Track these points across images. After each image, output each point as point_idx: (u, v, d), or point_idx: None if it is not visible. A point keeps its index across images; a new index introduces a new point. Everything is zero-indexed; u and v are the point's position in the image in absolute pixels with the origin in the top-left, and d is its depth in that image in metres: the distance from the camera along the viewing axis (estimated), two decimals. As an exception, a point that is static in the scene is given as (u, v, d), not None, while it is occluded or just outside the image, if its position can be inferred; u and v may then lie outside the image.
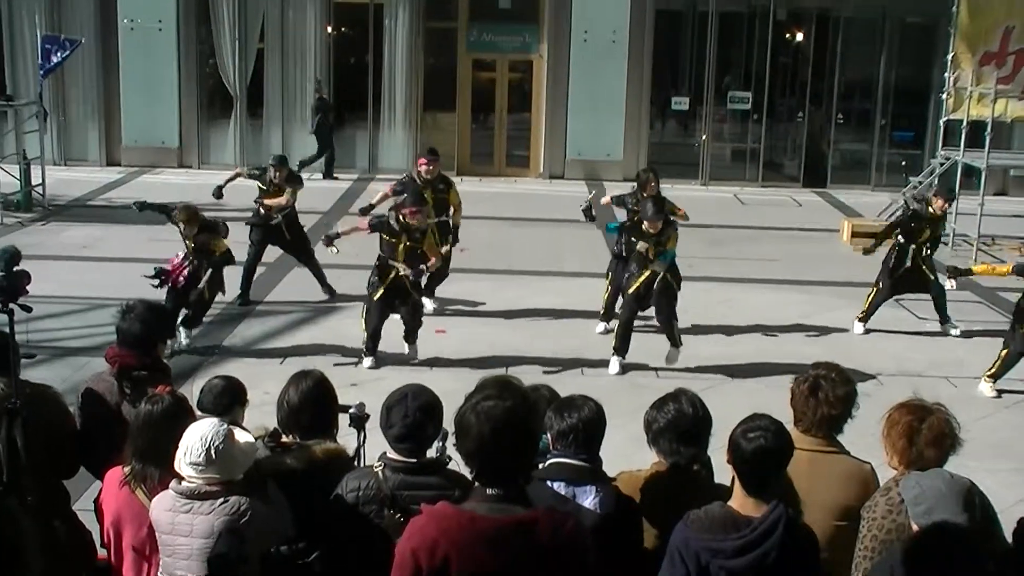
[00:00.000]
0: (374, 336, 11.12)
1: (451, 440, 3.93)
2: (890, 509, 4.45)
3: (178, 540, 4.36)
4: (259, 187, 13.46)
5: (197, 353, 11.26)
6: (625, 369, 11.14)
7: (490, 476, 3.69)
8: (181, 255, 11.63)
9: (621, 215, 12.62)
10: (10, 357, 4.86)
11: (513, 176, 23.68)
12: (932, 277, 12.72)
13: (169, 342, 10.62)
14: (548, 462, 4.46)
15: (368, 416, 5.35)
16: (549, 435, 4.52)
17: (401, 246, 10.93)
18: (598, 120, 23.08)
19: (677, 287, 11.29)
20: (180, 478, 4.36)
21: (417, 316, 11.27)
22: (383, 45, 23.58)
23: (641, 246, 11.15)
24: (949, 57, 18.84)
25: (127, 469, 4.68)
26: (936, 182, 17.64)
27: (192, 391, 8.52)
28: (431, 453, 4.54)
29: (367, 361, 11.06)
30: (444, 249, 11.91)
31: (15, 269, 4.88)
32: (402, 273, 10.93)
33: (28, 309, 4.93)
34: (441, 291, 13.16)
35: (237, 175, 13.96)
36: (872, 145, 24.19)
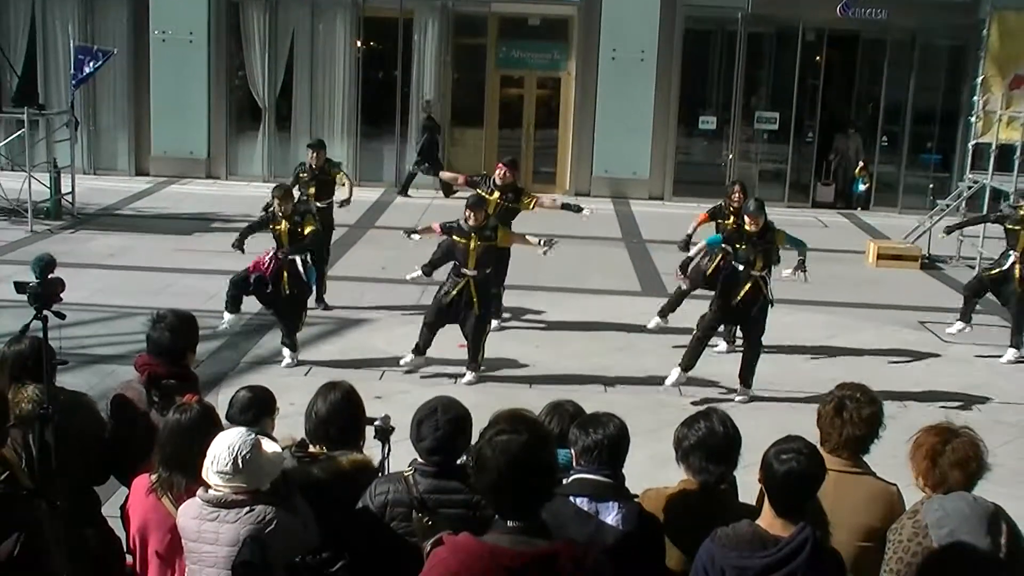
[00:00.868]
0: (425, 339, 11.22)
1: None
2: (916, 532, 4.43)
3: (204, 548, 4.39)
4: (302, 187, 13.42)
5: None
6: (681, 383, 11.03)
7: (509, 510, 3.70)
8: (268, 252, 11.48)
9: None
10: (44, 363, 4.92)
11: (539, 192, 23.64)
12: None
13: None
14: (571, 478, 4.48)
15: (393, 428, 5.38)
16: (573, 450, 4.54)
17: (472, 245, 10.97)
18: (625, 138, 23.10)
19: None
20: (207, 486, 4.39)
21: (478, 335, 11.14)
22: (412, 60, 23.70)
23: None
24: (979, 80, 18.79)
25: (154, 477, 4.72)
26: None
27: (218, 400, 8.59)
28: None
29: (407, 357, 11.15)
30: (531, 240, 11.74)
31: (50, 276, 4.93)
32: (470, 275, 10.98)
33: (62, 316, 4.98)
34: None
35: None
36: (900, 167, 24.09)
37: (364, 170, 23.80)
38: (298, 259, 11.38)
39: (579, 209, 13.23)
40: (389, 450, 5.35)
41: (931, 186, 23.24)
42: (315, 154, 13.57)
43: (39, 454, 4.81)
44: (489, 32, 24.14)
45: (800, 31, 23.39)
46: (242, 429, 4.47)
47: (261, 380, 9.25)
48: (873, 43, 24.02)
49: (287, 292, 11.34)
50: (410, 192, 22.97)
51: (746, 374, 11.13)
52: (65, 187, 18.76)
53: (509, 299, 13.30)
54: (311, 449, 4.98)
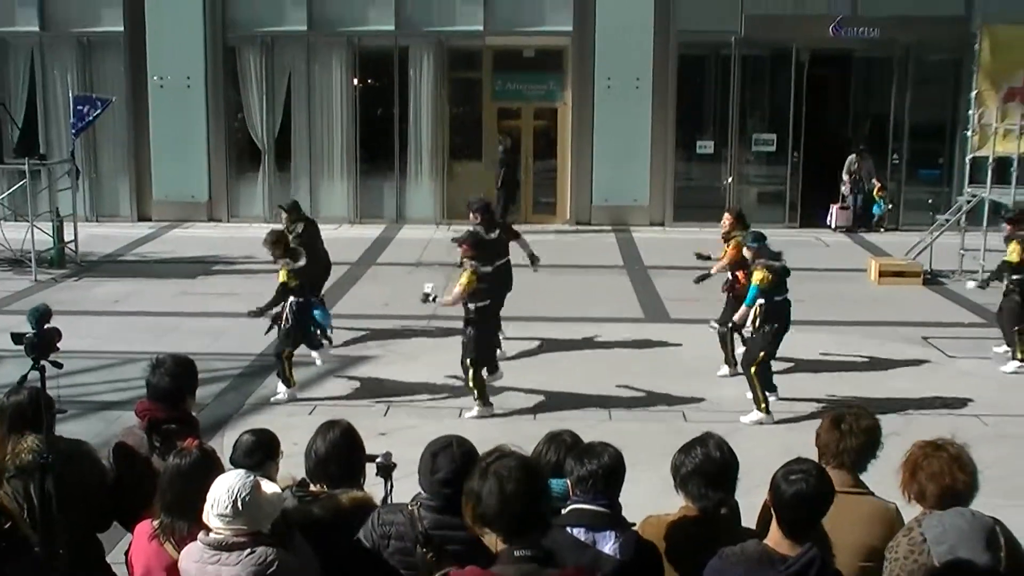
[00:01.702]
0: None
1: None
2: (912, 549, 4.44)
3: (206, 592, 4.39)
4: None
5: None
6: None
7: (515, 532, 3.76)
8: None
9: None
10: (43, 413, 4.95)
11: (540, 223, 23.70)
12: None
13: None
14: (568, 508, 4.49)
15: (395, 465, 5.40)
16: (569, 480, 4.56)
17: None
18: (624, 166, 23.17)
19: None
20: (208, 529, 4.41)
21: (464, 351, 11.34)
22: (408, 95, 23.81)
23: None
24: (973, 94, 18.84)
25: (156, 523, 4.73)
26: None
27: (223, 443, 8.61)
28: None
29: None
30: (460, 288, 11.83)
31: (46, 327, 4.97)
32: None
33: (59, 366, 5.01)
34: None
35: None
36: (899, 184, 24.10)
37: (364, 207, 23.92)
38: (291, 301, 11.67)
39: (535, 260, 13.44)
40: (391, 487, 5.37)
41: (930, 201, 23.26)
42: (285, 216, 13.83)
43: (40, 503, 4.83)
44: (484, 65, 24.28)
45: (794, 52, 23.48)
46: (241, 471, 4.48)
47: (265, 421, 9.34)
48: (868, 61, 24.10)
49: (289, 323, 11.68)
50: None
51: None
52: (68, 235, 18.84)
53: (511, 329, 13.28)
54: (312, 488, 5.00)
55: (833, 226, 23.52)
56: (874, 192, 23.45)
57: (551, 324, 14.61)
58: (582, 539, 4.36)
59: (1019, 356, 12.81)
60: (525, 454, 3.99)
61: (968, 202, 18.91)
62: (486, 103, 24.39)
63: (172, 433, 5.31)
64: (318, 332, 12.42)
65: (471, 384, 11.19)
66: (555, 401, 11.53)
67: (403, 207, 24.05)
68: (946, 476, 4.57)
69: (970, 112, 19.08)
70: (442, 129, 23.97)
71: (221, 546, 4.34)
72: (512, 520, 3.77)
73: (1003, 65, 18.50)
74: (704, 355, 12.76)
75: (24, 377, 5.01)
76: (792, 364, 12.71)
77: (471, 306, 11.25)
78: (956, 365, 13.06)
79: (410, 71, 23.73)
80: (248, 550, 4.33)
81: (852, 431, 5.04)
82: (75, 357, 5.21)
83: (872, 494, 5.03)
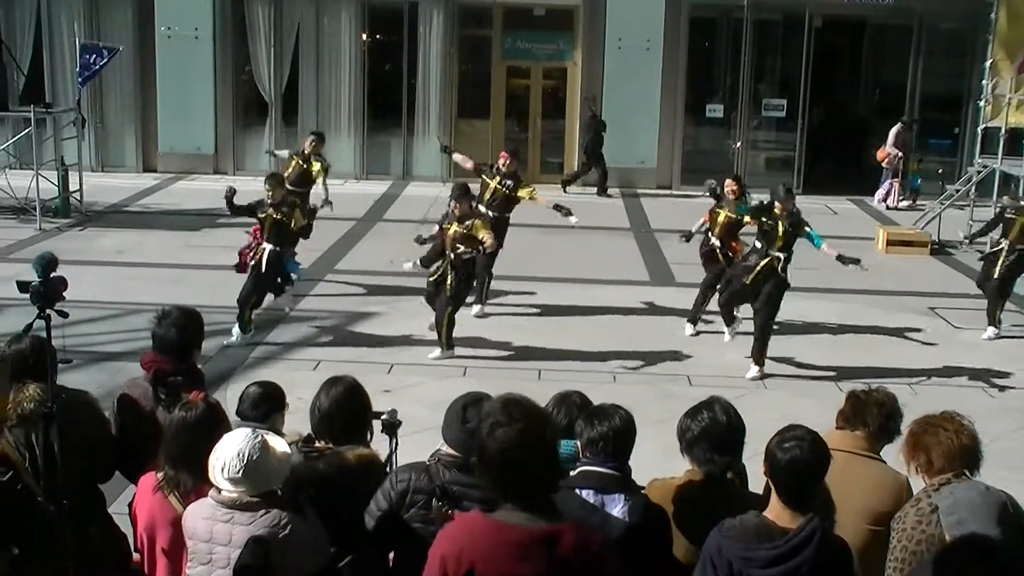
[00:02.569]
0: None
1: None
2: (919, 520, 4.42)
3: (216, 549, 4.34)
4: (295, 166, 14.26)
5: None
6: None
7: (516, 497, 3.73)
8: (252, 242, 12.15)
9: None
10: (47, 362, 4.90)
11: (547, 183, 23.57)
12: None
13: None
14: (577, 470, 4.46)
15: (400, 422, 5.38)
16: (579, 442, 4.52)
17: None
18: (632, 127, 23.01)
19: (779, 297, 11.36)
20: (217, 488, 4.36)
21: (439, 314, 11.46)
22: (417, 52, 23.65)
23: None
24: (987, 64, 18.68)
25: (160, 475, 4.71)
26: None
27: (227, 396, 8.59)
28: None
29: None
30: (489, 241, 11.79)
31: (52, 275, 4.92)
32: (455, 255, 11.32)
33: (64, 315, 4.96)
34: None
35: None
36: (908, 152, 23.89)
37: (371, 163, 23.81)
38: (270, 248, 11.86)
39: (568, 214, 13.30)
40: (397, 444, 5.34)
41: (940, 171, 23.11)
42: (313, 142, 14.32)
43: (43, 453, 4.80)
44: (494, 23, 24.08)
45: (807, 17, 23.26)
46: (248, 430, 4.42)
47: (269, 375, 9.31)
48: (881, 27, 23.88)
49: (262, 270, 11.88)
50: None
51: (758, 354, 11.23)
52: (73, 185, 18.75)
53: (517, 289, 13.25)
54: (317, 444, 4.96)
55: (894, 203, 22.04)
56: (915, 164, 22.82)
57: (557, 285, 14.57)
58: (591, 501, 4.34)
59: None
60: (531, 412, 3.88)
61: (979, 172, 18.80)
62: (495, 61, 24.20)
63: (178, 386, 5.27)
64: (279, 280, 12.48)
65: (444, 329, 11.43)
66: (560, 362, 11.50)
67: (410, 164, 23.93)
68: (952, 439, 4.57)
69: (984, 82, 18.92)
70: (450, 87, 23.81)
71: (235, 505, 4.30)
72: (513, 489, 3.75)
73: (1019, 35, 18.32)
74: (710, 319, 12.72)
75: (29, 326, 4.95)
76: (797, 331, 12.67)
77: (464, 256, 11.38)
78: (962, 336, 13.01)
79: (419, 28, 23.55)
80: (262, 511, 4.28)
81: (883, 405, 5.10)
82: (78, 307, 5.14)
83: (883, 462, 5.01)
